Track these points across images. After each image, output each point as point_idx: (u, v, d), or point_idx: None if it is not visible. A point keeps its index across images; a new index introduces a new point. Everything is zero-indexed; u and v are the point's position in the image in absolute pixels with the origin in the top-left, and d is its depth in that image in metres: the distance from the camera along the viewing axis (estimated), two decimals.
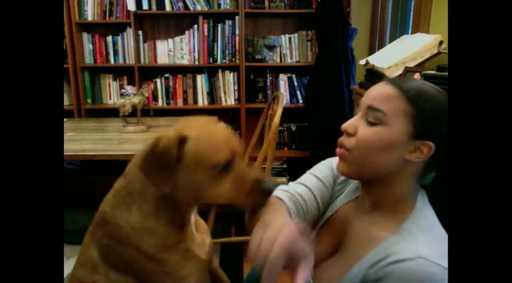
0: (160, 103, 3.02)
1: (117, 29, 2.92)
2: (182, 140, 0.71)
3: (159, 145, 0.70)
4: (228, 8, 2.84)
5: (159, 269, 0.80)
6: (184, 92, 3.01)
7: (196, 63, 2.94)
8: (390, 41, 2.53)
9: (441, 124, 0.68)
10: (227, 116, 3.12)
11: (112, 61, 2.95)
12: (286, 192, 0.86)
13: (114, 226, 0.80)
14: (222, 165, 0.72)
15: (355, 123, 0.74)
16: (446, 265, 0.61)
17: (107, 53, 2.95)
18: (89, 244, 0.87)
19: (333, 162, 0.92)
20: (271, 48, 2.97)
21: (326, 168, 0.92)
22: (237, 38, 2.88)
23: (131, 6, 2.76)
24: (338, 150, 0.76)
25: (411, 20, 2.20)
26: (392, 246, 0.68)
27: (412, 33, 2.09)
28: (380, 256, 0.68)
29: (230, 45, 2.91)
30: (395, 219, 0.71)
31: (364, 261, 0.70)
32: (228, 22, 2.88)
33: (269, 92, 3.02)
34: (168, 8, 2.82)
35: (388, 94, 0.71)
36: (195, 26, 2.88)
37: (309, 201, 0.87)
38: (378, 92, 0.72)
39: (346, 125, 0.75)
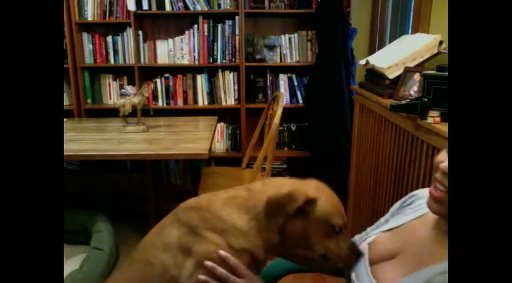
0: (160, 103, 3.02)
1: (117, 29, 2.92)
2: (310, 200, 0.86)
3: (291, 198, 0.84)
4: (228, 8, 2.84)
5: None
6: (184, 92, 3.00)
7: (196, 63, 2.94)
8: (390, 41, 2.53)
9: None
10: (227, 116, 3.12)
11: (112, 61, 2.95)
12: None
13: (215, 215, 0.87)
14: (338, 227, 0.87)
15: None
16: None
17: (107, 53, 2.95)
18: (169, 224, 0.90)
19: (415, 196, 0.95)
20: (271, 48, 2.97)
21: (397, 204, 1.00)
22: (237, 38, 2.88)
23: (131, 6, 2.76)
24: (435, 192, 0.72)
25: (411, 20, 2.20)
26: None
27: (412, 33, 2.09)
28: None
29: (230, 45, 2.91)
30: None
31: (432, 269, 0.71)
32: (228, 22, 2.88)
33: (269, 92, 3.02)
34: (168, 8, 2.82)
35: None
36: (195, 26, 2.88)
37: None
38: None
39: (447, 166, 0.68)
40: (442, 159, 0.73)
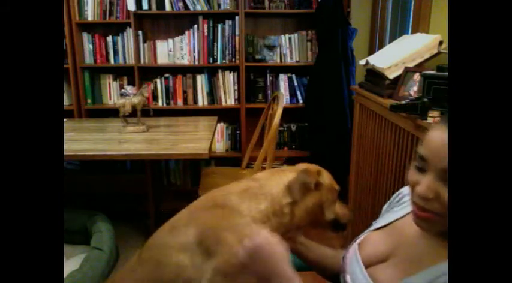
0: (160, 103, 3.02)
1: (117, 29, 2.92)
2: (319, 171, 0.97)
3: (309, 174, 0.93)
4: (228, 8, 2.84)
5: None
6: (184, 92, 3.00)
7: (196, 63, 2.94)
8: (390, 41, 2.53)
9: None
10: (227, 116, 3.12)
11: (112, 61, 2.95)
12: None
13: (234, 212, 0.86)
14: (338, 191, 0.99)
15: (433, 187, 0.68)
16: None
17: (107, 53, 2.95)
18: (184, 224, 0.87)
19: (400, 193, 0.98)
20: (271, 48, 2.97)
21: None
22: (237, 38, 2.88)
23: (131, 6, 2.76)
24: (421, 213, 0.71)
25: (411, 20, 2.20)
26: None
27: (412, 33, 2.09)
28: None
29: (230, 45, 2.91)
30: None
31: (433, 270, 0.70)
32: (228, 22, 2.88)
33: (269, 92, 3.02)
34: (168, 8, 2.82)
35: None
36: (195, 26, 2.88)
37: None
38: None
39: (426, 192, 0.68)
40: (415, 180, 0.71)
